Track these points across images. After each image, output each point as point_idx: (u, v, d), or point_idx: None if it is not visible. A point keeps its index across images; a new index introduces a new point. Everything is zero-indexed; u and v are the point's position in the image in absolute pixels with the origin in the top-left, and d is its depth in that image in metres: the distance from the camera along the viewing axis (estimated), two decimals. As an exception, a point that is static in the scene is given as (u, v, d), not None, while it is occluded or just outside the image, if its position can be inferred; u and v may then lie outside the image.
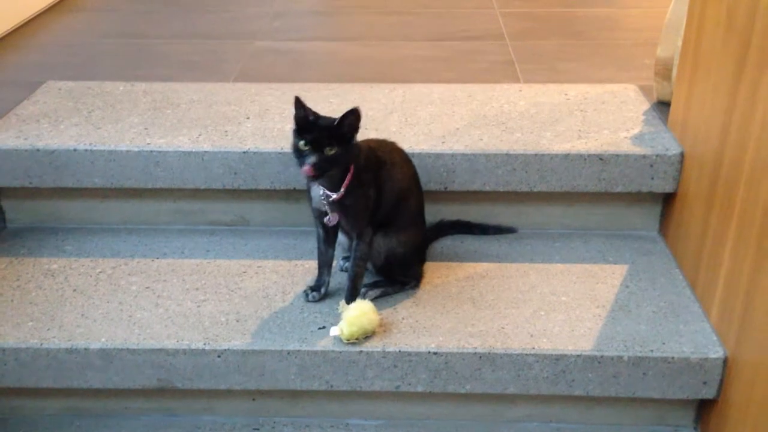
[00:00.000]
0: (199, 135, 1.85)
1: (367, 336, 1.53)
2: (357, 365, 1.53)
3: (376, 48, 2.58)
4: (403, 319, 1.59)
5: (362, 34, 2.74)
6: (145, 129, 1.88)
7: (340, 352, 1.52)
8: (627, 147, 1.78)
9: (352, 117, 1.44)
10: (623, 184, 1.78)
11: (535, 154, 1.77)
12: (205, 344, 1.53)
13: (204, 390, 1.59)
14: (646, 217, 1.88)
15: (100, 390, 1.61)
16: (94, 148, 1.80)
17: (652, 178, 1.77)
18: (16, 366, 1.55)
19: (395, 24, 2.84)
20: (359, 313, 1.52)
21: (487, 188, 1.80)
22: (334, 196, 1.50)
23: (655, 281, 1.71)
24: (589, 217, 1.88)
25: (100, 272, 1.75)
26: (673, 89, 1.86)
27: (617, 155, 1.76)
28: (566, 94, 2.07)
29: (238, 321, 1.59)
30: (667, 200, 1.84)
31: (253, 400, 1.65)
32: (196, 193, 1.87)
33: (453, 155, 1.77)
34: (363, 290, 1.62)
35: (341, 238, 1.64)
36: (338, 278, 1.70)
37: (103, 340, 1.54)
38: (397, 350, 1.52)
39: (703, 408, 1.60)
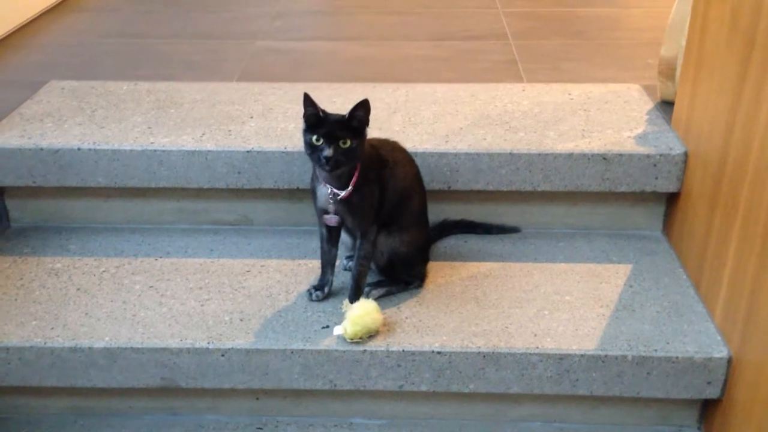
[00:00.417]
0: (203, 134, 1.85)
1: (371, 335, 1.53)
2: (360, 364, 1.53)
3: (377, 48, 2.58)
4: (406, 318, 1.59)
5: (364, 34, 2.74)
6: (149, 128, 1.88)
7: (344, 352, 1.52)
8: (631, 146, 1.78)
9: (362, 109, 1.45)
10: (627, 183, 1.78)
11: (539, 154, 1.77)
12: (208, 343, 1.53)
13: (207, 389, 1.59)
14: (650, 216, 1.88)
15: (104, 389, 1.61)
16: (98, 148, 1.80)
17: (656, 178, 1.77)
18: (20, 365, 1.55)
19: (397, 24, 2.84)
20: (363, 313, 1.52)
21: (491, 188, 1.80)
22: (342, 194, 1.50)
23: (658, 281, 1.70)
24: (592, 216, 1.88)
25: (104, 271, 1.75)
26: (676, 89, 1.86)
27: (621, 155, 1.76)
28: (569, 94, 2.07)
29: (241, 320, 1.59)
30: (671, 200, 1.84)
31: (257, 399, 1.65)
32: (199, 193, 1.87)
33: (456, 154, 1.77)
34: (366, 289, 1.62)
35: (344, 237, 1.64)
36: (341, 277, 1.70)
37: (106, 339, 1.54)
38: (401, 349, 1.52)
39: (707, 408, 1.60)
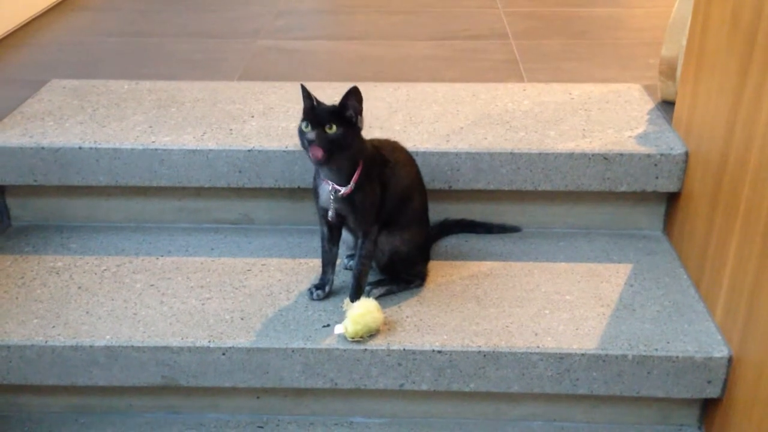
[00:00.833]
0: (204, 133, 1.85)
1: (372, 334, 1.53)
2: (361, 363, 1.53)
3: (379, 47, 2.58)
4: (407, 317, 1.60)
5: (365, 34, 2.74)
6: (150, 127, 1.88)
7: (345, 351, 1.52)
8: (631, 146, 1.78)
9: (354, 97, 1.45)
10: (627, 183, 1.78)
11: (540, 153, 1.77)
12: (209, 342, 1.53)
13: (208, 388, 1.59)
14: (651, 216, 1.88)
15: (105, 387, 1.61)
16: (99, 146, 1.80)
17: (657, 178, 1.77)
18: (21, 363, 1.55)
19: (398, 23, 2.84)
20: (364, 312, 1.52)
21: (492, 187, 1.80)
22: (344, 190, 1.50)
23: (659, 280, 1.71)
24: (593, 216, 1.88)
25: (105, 270, 1.75)
26: (677, 89, 1.86)
27: (621, 154, 1.76)
28: (570, 94, 2.07)
29: (242, 319, 1.59)
30: (672, 200, 1.84)
31: (258, 397, 1.65)
32: (200, 192, 1.88)
33: (457, 154, 1.78)
34: (367, 288, 1.63)
35: (346, 236, 1.64)
36: (342, 276, 1.70)
37: (107, 337, 1.55)
38: (402, 348, 1.52)
39: (708, 407, 1.60)
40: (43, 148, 1.80)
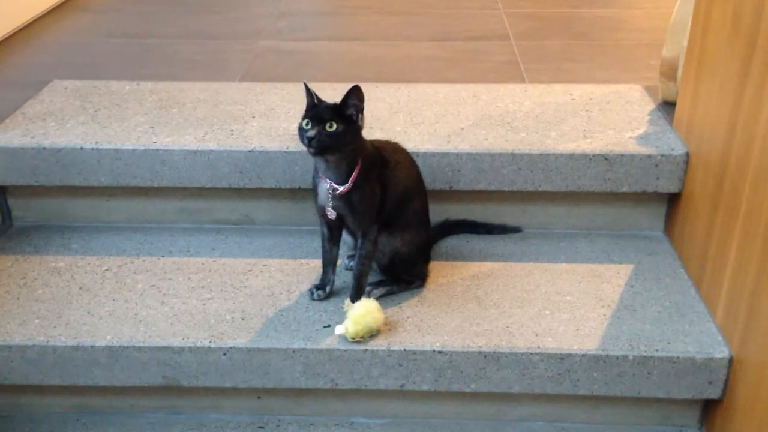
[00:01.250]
0: (205, 134, 1.85)
1: (372, 335, 1.53)
2: (362, 364, 1.53)
3: (380, 48, 2.59)
4: (408, 317, 1.60)
5: (366, 35, 2.74)
6: (151, 128, 1.88)
7: (345, 351, 1.52)
8: (632, 147, 1.78)
9: (355, 96, 1.46)
10: (628, 184, 1.78)
11: (540, 154, 1.77)
12: (210, 342, 1.54)
13: (209, 388, 1.60)
14: (652, 217, 1.88)
15: (106, 387, 1.61)
16: (101, 147, 1.80)
17: (658, 178, 1.77)
18: (23, 363, 1.56)
19: (399, 24, 2.84)
20: (364, 312, 1.52)
21: (492, 188, 1.80)
22: (341, 189, 1.50)
23: (660, 281, 1.71)
24: (594, 216, 1.89)
25: (106, 270, 1.76)
26: (678, 89, 1.86)
27: (622, 155, 1.76)
28: (571, 94, 2.07)
29: (243, 319, 1.59)
30: (673, 200, 1.84)
31: (258, 398, 1.65)
32: (201, 192, 1.88)
33: (458, 155, 1.78)
34: (368, 289, 1.63)
35: (346, 237, 1.64)
36: (343, 277, 1.70)
37: (109, 337, 1.55)
38: (402, 349, 1.52)
39: (709, 408, 1.60)
40: (44, 148, 1.81)
